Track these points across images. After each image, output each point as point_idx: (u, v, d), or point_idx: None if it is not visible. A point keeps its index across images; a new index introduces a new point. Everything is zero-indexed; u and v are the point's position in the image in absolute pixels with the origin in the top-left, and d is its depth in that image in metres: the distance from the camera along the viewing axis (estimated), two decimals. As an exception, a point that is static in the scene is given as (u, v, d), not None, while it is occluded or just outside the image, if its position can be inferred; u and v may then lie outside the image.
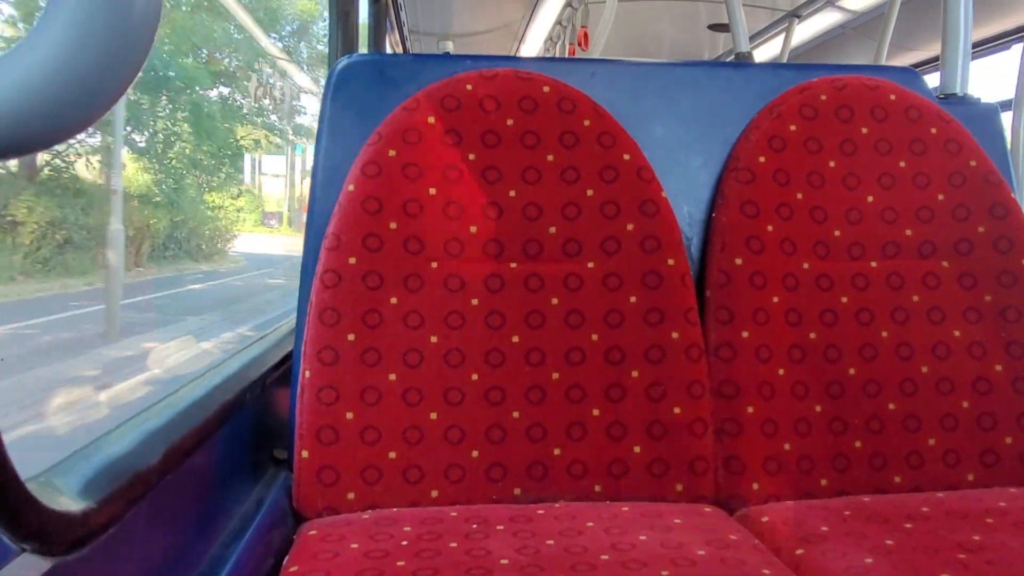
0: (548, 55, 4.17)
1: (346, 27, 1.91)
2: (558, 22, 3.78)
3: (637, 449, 1.04)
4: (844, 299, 1.11)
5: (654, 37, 4.00)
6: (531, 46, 4.25)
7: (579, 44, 3.39)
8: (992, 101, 1.25)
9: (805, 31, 3.40)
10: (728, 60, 3.62)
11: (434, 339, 1.03)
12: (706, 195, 1.15)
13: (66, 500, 0.54)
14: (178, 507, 0.78)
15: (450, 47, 4.09)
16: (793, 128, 1.14)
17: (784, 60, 3.33)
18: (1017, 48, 2.89)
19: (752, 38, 3.58)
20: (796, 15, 3.25)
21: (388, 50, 2.78)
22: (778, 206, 1.12)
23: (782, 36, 3.39)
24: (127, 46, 0.37)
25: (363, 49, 2.15)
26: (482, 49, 4.25)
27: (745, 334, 1.07)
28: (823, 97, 1.15)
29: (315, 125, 1.15)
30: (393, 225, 1.04)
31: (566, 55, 3.65)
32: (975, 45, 2.96)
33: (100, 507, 0.56)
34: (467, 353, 1.03)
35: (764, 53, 3.81)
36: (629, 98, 1.16)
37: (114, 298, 8.37)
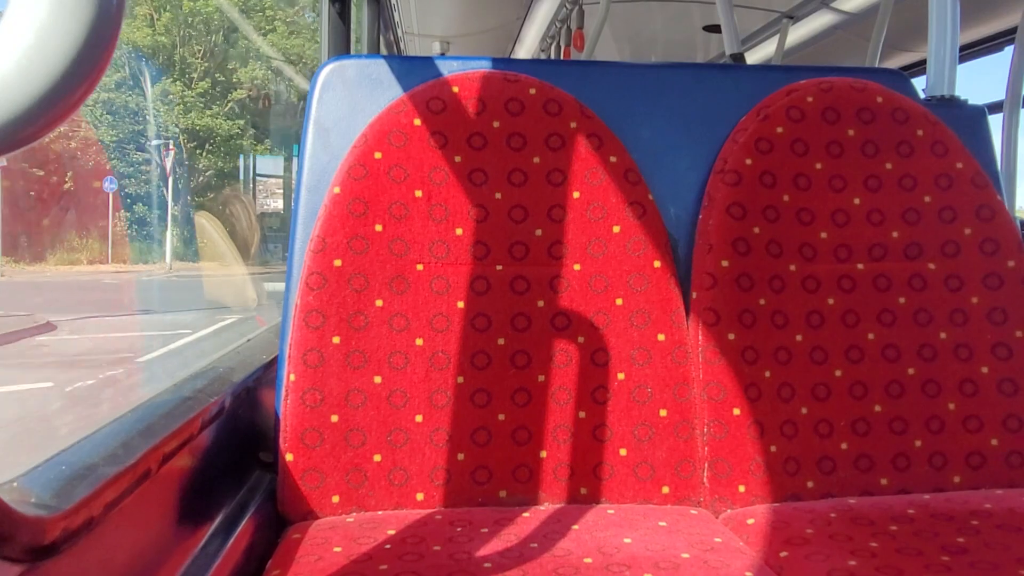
0: (543, 57, 4.17)
1: (339, 28, 1.90)
2: (553, 23, 3.79)
3: (623, 452, 1.04)
4: (830, 301, 1.11)
5: (648, 39, 4.01)
6: (526, 48, 4.25)
7: (574, 45, 3.40)
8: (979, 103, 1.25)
9: (799, 32, 3.40)
10: (721, 61, 3.63)
11: (419, 341, 1.03)
12: (693, 197, 1.15)
13: (38, 504, 0.54)
14: (159, 511, 0.78)
15: (444, 49, 4.09)
16: (780, 130, 1.14)
17: (779, 62, 3.33)
18: (1008, 50, 2.89)
19: (746, 39, 3.58)
20: (790, 16, 3.25)
21: (383, 51, 2.78)
22: (764, 208, 1.12)
23: (776, 37, 3.39)
24: (88, 50, 0.36)
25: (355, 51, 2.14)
26: (478, 50, 4.25)
27: (731, 336, 1.07)
28: (809, 99, 1.15)
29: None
30: (379, 227, 1.04)
31: (561, 57, 3.65)
32: (966, 47, 2.96)
33: (73, 512, 0.56)
34: (452, 355, 1.03)
35: (758, 54, 3.82)
36: (616, 100, 1.16)
37: None
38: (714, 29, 3.66)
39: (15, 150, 0.37)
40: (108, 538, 0.63)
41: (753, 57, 3.80)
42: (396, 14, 3.31)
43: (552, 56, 3.97)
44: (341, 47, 1.81)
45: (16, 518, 0.49)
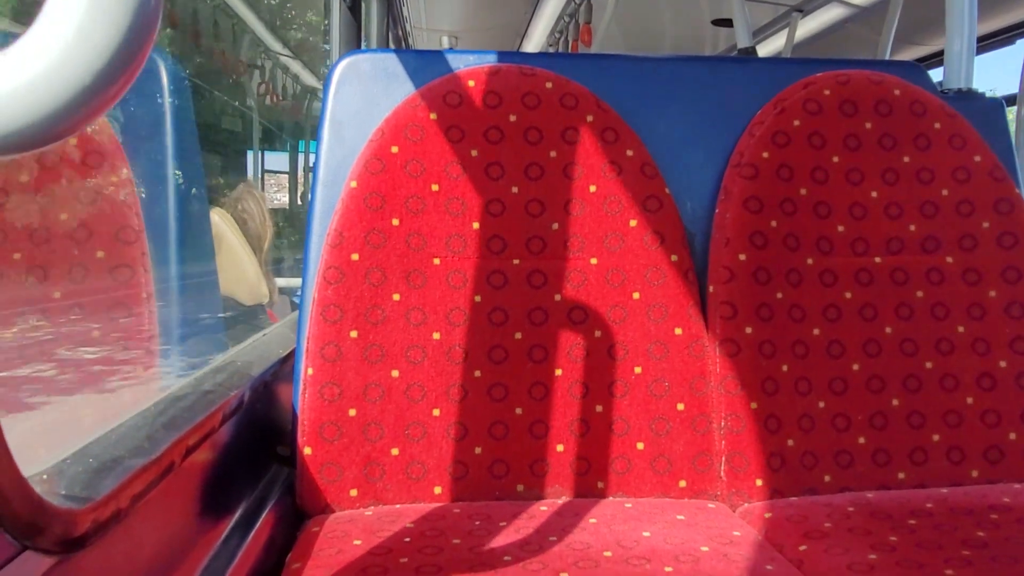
0: (551, 51, 4.17)
1: (350, 23, 1.90)
2: (561, 18, 3.78)
3: (640, 445, 1.04)
4: (848, 295, 1.10)
5: (657, 33, 4.00)
6: (534, 43, 4.25)
7: (581, 40, 3.39)
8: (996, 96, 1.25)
9: (809, 26, 3.39)
10: (731, 55, 3.62)
11: (437, 335, 1.03)
12: (709, 191, 1.15)
13: (68, 496, 0.54)
14: (182, 504, 0.78)
15: (454, 43, 4.09)
16: (797, 123, 1.13)
17: (788, 55, 3.32)
18: (1021, 43, 2.88)
19: (755, 33, 3.57)
20: (799, 9, 3.23)
21: (391, 47, 2.78)
22: (782, 202, 1.11)
23: (785, 31, 3.38)
24: (126, 46, 0.36)
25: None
26: (485, 45, 4.24)
27: (748, 330, 1.07)
28: (827, 92, 1.15)
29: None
30: (396, 221, 1.04)
31: (569, 51, 3.65)
32: (979, 40, 2.94)
33: (103, 504, 0.56)
34: (470, 349, 1.03)
35: (767, 48, 3.80)
36: (632, 93, 1.16)
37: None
38: (723, 23, 3.64)
39: (52, 143, 0.37)
40: (134, 530, 0.64)
41: (761, 51, 3.79)
42: (404, 9, 3.31)
43: (560, 51, 3.96)
44: (353, 43, 1.81)
45: (49, 510, 0.49)
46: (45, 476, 0.56)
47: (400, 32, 3.24)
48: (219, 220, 1.96)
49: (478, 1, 3.79)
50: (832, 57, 1.22)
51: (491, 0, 3.75)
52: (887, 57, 2.72)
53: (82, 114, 0.37)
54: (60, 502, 0.52)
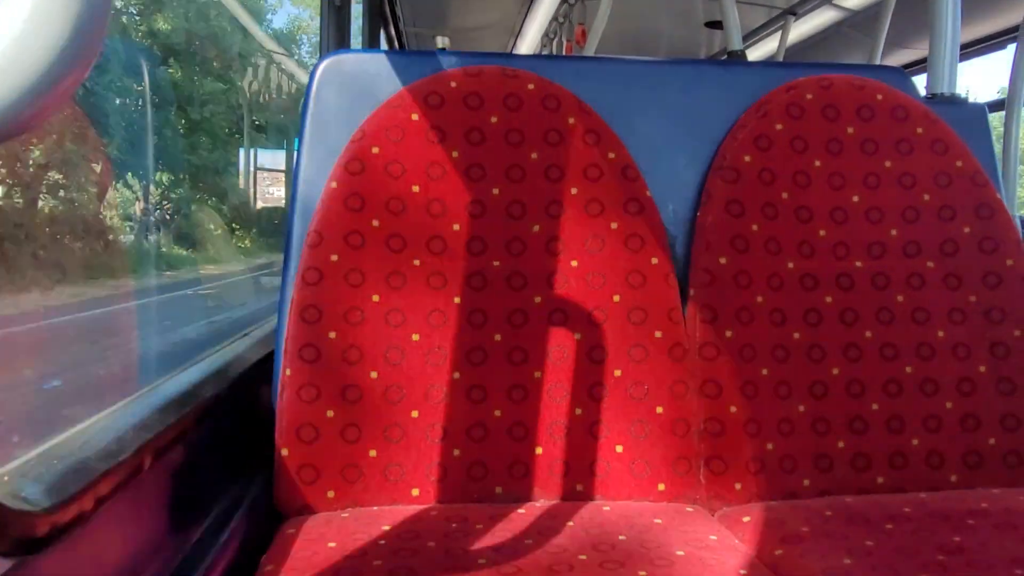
0: (545, 52, 4.16)
1: (339, 21, 1.90)
2: (555, 19, 3.78)
3: (619, 448, 1.04)
4: (828, 299, 1.10)
5: (651, 34, 4.00)
6: (528, 43, 4.24)
7: (576, 41, 3.39)
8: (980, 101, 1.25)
9: (801, 29, 3.39)
10: (722, 58, 3.62)
11: (416, 337, 1.02)
12: (691, 194, 1.14)
13: (29, 498, 0.53)
14: (153, 505, 0.78)
15: (445, 43, 4.08)
16: (779, 127, 1.13)
17: (780, 58, 3.32)
18: (1010, 48, 2.88)
19: (748, 36, 3.57)
20: (792, 13, 3.23)
21: (383, 45, 2.77)
22: (763, 205, 1.11)
23: (778, 34, 3.38)
24: (76, 42, 0.36)
25: (355, 44, 2.14)
26: (478, 45, 4.24)
27: (729, 333, 1.07)
28: (809, 96, 1.15)
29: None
30: (376, 222, 1.03)
31: (563, 52, 3.64)
32: (968, 45, 2.95)
33: (65, 505, 0.56)
34: (449, 351, 1.03)
35: (761, 51, 3.81)
36: (616, 95, 1.16)
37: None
38: (716, 25, 3.64)
39: (4, 141, 0.37)
40: (100, 533, 0.63)
41: (755, 53, 3.79)
42: (397, 8, 3.31)
43: (554, 51, 3.96)
44: (342, 42, 1.81)
45: (5, 511, 0.49)
46: (5, 477, 0.56)
47: (392, 32, 3.23)
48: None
49: (472, 1, 3.79)
50: (825, 60, 1.22)
51: (485, 0, 3.75)
52: (879, 61, 2.73)
53: (34, 110, 0.36)
54: (20, 504, 0.52)
